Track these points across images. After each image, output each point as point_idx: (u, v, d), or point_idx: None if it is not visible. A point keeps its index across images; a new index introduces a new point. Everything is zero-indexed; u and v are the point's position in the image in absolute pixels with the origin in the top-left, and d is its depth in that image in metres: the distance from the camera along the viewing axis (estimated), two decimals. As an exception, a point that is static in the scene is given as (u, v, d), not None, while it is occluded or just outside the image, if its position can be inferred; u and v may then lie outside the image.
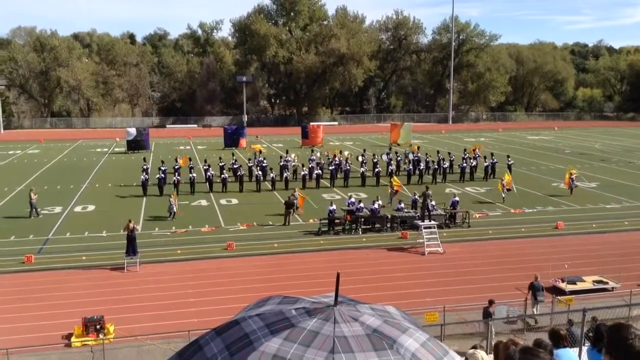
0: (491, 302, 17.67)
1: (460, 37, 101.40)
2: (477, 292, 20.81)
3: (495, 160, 42.58)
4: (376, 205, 29.18)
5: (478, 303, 19.40)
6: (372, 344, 1.96)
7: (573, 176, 36.73)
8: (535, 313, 19.53)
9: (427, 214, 27.93)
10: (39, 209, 31.92)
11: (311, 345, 1.95)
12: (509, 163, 42.24)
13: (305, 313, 2.08)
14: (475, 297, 20.19)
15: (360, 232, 28.60)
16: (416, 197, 31.11)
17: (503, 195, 34.63)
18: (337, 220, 28.95)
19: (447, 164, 41.69)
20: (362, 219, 29.11)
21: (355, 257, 25.09)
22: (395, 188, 33.78)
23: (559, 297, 19.29)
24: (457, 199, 31.06)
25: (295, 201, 31.03)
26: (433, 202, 29.52)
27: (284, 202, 30.61)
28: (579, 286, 21.00)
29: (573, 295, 19.64)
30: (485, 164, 41.77)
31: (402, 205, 30.20)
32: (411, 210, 30.37)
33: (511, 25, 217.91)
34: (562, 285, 21.03)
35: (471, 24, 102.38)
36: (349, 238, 27.93)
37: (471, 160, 42.64)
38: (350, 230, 28.75)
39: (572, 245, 23.70)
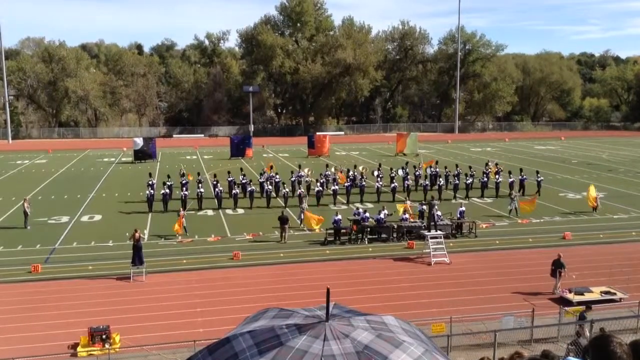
0: (588, 308, 17.73)
1: (467, 47, 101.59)
2: (484, 302, 20.72)
3: (524, 176, 40.07)
4: (382, 215, 29.13)
5: (485, 314, 19.33)
6: None
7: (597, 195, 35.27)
8: (558, 286, 21.53)
9: (433, 223, 27.85)
10: (28, 220, 31.53)
11: None
12: (539, 179, 40.03)
13: (296, 329, 2.05)
14: (482, 307, 20.11)
15: (366, 242, 28.53)
16: (423, 207, 31.05)
17: (512, 207, 33.74)
18: (343, 230, 28.90)
19: (470, 180, 39.61)
20: (368, 229, 29.05)
21: (361, 267, 25.02)
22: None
23: (566, 308, 19.15)
24: (463, 209, 30.97)
25: (302, 214, 31.04)
26: (439, 213, 29.39)
27: (278, 217, 29.44)
28: (587, 297, 20.84)
29: (581, 306, 19.48)
30: (511, 180, 39.16)
31: (407, 215, 30.07)
32: (417, 220, 30.31)
33: (517, 36, 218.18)
34: (570, 296, 20.90)
35: (477, 34, 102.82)
36: (355, 248, 27.87)
37: (496, 176, 40.50)
38: (356, 240, 28.69)
39: (580, 255, 23.58)
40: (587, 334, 16.90)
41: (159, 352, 16.76)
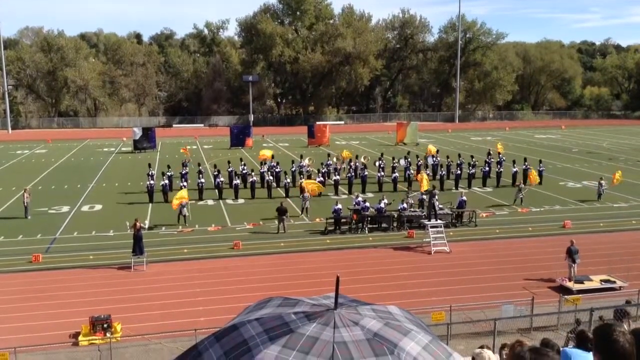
0: (627, 302, 17.92)
1: (467, 35, 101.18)
2: (484, 291, 20.78)
3: (528, 166, 39.64)
4: (382, 205, 29.14)
5: (484, 302, 19.39)
6: (372, 349, 1.93)
7: (602, 181, 35.24)
8: (573, 274, 21.38)
9: (434, 213, 27.85)
10: (29, 211, 31.55)
11: (310, 352, 1.91)
12: (541, 169, 39.54)
13: (305, 317, 2.04)
14: (481, 296, 20.17)
15: (367, 232, 28.57)
16: (423, 196, 31.05)
17: (521, 197, 33.63)
18: (343, 220, 28.92)
19: (473, 170, 39.22)
20: (369, 218, 29.07)
21: (362, 256, 25.07)
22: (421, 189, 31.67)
23: (566, 297, 19.22)
24: (464, 198, 30.95)
25: (304, 204, 31.27)
26: (439, 205, 29.21)
27: (276, 208, 29.13)
28: (587, 285, 20.92)
29: (580, 295, 19.56)
30: (514, 170, 38.90)
31: (405, 205, 29.99)
32: (417, 210, 30.31)
33: (518, 24, 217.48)
34: (570, 284, 20.96)
35: (478, 23, 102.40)
36: (355, 237, 27.90)
37: (498, 166, 40.23)
38: (357, 229, 28.72)
39: (580, 244, 23.58)
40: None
41: (160, 341, 16.83)
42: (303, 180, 34.42)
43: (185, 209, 29.56)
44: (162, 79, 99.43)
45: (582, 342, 6.44)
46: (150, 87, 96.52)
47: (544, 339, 6.77)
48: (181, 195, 29.39)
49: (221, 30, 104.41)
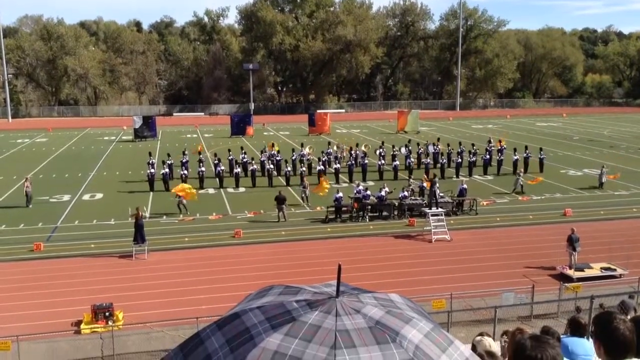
0: (631, 297, 17.93)
1: (468, 23, 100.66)
2: (484, 279, 20.84)
3: (529, 154, 39.48)
4: (383, 193, 29.15)
5: (485, 290, 19.45)
6: (374, 337, 1.92)
7: (604, 169, 35.41)
8: (574, 262, 21.40)
9: (434, 201, 27.85)
10: (31, 199, 31.53)
11: (312, 340, 1.90)
12: (541, 157, 39.48)
13: (307, 305, 2.04)
14: (482, 284, 20.23)
15: (368, 220, 28.59)
16: (424, 184, 31.05)
17: (520, 184, 33.63)
18: (344, 208, 28.93)
19: (474, 158, 39.06)
20: (369, 207, 29.08)
21: (362, 244, 25.12)
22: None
23: (566, 284, 19.27)
24: (465, 186, 30.93)
25: (304, 193, 31.29)
26: (440, 193, 29.21)
27: (275, 197, 28.95)
28: (587, 273, 20.97)
29: (581, 282, 19.60)
30: (515, 157, 38.38)
31: (406, 193, 29.98)
32: (418, 198, 30.32)
33: (519, 11, 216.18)
34: (570, 272, 21.00)
35: (479, 10, 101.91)
36: (356, 226, 27.93)
37: (499, 154, 40.16)
38: (358, 217, 28.74)
39: (580, 232, 23.62)
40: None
41: (161, 329, 16.91)
42: (323, 177, 33.76)
43: (183, 199, 29.55)
44: (162, 68, 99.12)
45: (576, 329, 6.48)
46: (150, 75, 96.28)
47: (545, 327, 6.80)
48: (183, 188, 29.30)
49: (221, 18, 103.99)
